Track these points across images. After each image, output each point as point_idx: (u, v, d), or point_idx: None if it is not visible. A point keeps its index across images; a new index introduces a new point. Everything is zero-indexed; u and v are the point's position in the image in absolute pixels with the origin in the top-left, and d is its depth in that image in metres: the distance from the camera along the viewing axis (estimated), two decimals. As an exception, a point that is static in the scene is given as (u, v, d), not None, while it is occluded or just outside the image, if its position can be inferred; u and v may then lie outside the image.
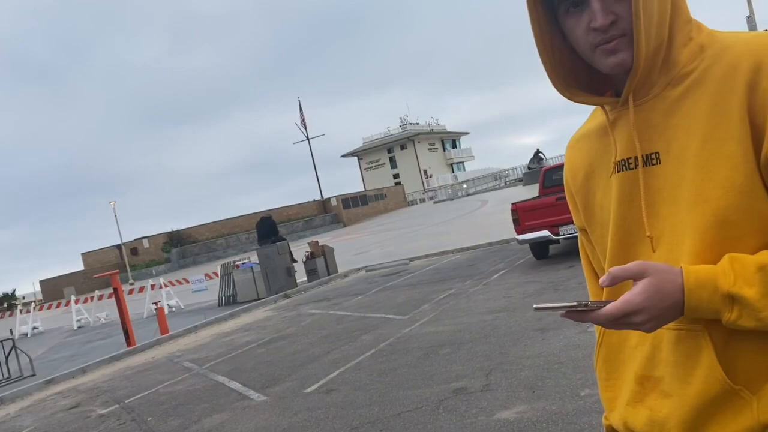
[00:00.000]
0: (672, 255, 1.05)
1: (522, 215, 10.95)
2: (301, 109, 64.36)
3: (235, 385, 7.18)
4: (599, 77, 1.16)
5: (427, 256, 16.96)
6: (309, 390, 6.20)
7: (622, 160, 1.13)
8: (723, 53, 1.03)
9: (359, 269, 17.58)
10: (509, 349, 5.99)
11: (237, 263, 17.02)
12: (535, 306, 1.00)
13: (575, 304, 0.97)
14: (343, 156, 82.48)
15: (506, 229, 13.17)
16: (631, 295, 0.96)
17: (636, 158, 1.10)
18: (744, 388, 0.99)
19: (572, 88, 1.16)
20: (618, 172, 1.13)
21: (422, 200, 63.32)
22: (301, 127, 63.63)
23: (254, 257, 16.93)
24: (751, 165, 0.97)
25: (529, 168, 44.68)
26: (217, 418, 5.96)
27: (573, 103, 1.18)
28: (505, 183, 59.35)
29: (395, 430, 4.54)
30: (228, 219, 49.74)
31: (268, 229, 16.89)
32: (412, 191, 68.08)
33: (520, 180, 51.21)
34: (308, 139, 63.67)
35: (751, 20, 18.14)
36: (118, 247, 50.64)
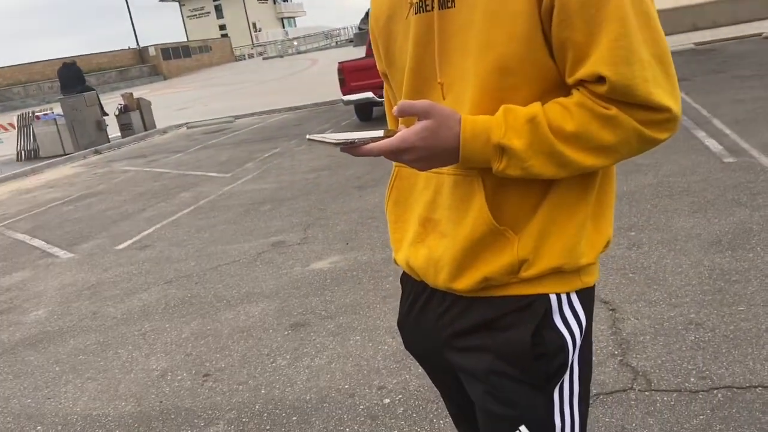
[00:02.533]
0: (457, 101, 1.07)
1: (348, 75, 10.88)
2: (110, -59, 56.28)
3: (37, 242, 6.69)
4: None
5: (253, 114, 16.46)
6: (121, 246, 5.96)
7: (419, 1, 1.10)
8: None
9: (180, 125, 16.66)
10: (328, 205, 6.15)
11: (37, 114, 15.26)
12: (308, 137, 0.98)
13: (350, 139, 0.96)
14: (162, 0, 74.88)
15: (334, 90, 13.07)
16: (408, 133, 0.97)
17: (432, 0, 1.08)
18: (508, 228, 1.06)
19: None
20: (416, 13, 1.10)
21: (251, 56, 60.28)
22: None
23: (58, 109, 15.26)
24: (533, 14, 0.98)
25: (359, 29, 43.83)
26: (17, 276, 5.57)
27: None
28: (336, 43, 58.16)
29: (211, 282, 4.57)
30: (26, 64, 43.66)
31: (72, 76, 15.14)
32: (241, 45, 64.35)
33: (350, 41, 50.38)
34: (120, -23, 56.50)
35: None
36: None
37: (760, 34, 14.36)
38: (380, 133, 0.99)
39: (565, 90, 1.03)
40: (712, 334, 2.82)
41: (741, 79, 9.31)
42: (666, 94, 0.97)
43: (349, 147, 0.98)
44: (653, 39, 0.97)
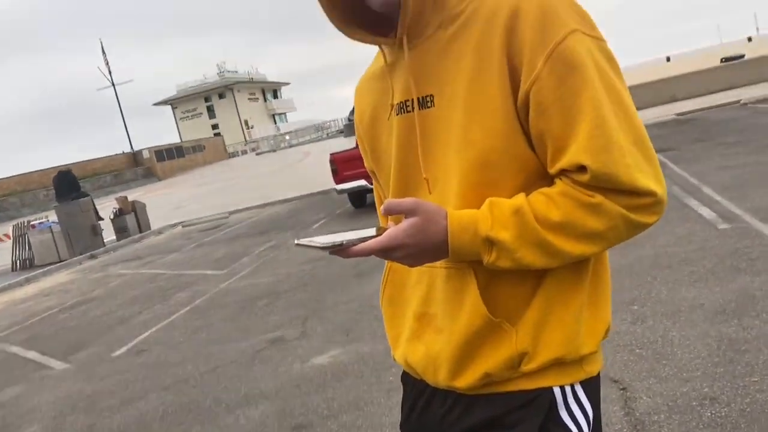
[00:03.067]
0: (443, 196, 1.07)
1: (340, 165, 11.08)
2: (104, 52, 58.62)
3: (32, 354, 6.54)
4: (383, 17, 1.13)
5: (248, 209, 16.61)
6: (117, 354, 5.83)
7: (400, 102, 1.12)
8: None
9: (175, 225, 16.77)
10: (326, 295, 6.09)
11: (33, 223, 15.36)
12: (295, 242, 0.98)
13: (337, 242, 0.95)
14: (156, 104, 77.31)
15: (328, 180, 13.27)
16: (396, 231, 0.97)
17: (412, 101, 1.09)
18: (505, 320, 1.04)
19: (352, 25, 1.11)
20: (397, 114, 1.13)
21: (244, 152, 61.69)
22: (104, 71, 58.16)
23: (53, 216, 15.38)
24: (510, 108, 1.00)
25: (349, 120, 45.09)
26: (10, 392, 5.40)
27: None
28: (327, 134, 59.73)
29: (209, 385, 4.43)
30: (22, 174, 44.40)
31: (67, 184, 15.36)
32: (233, 143, 65.97)
33: (341, 131, 51.65)
34: (114, 85, 58.54)
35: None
36: None
37: (738, 101, 14.82)
38: (372, 231, 0.99)
39: (548, 180, 1.03)
40: (729, 409, 2.72)
41: (725, 145, 9.51)
42: (649, 178, 0.97)
43: (338, 250, 0.97)
44: (630, 125, 0.98)
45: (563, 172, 0.99)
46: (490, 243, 0.98)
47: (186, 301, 7.34)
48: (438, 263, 1.08)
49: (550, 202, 0.98)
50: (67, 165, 40.27)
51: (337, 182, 11.22)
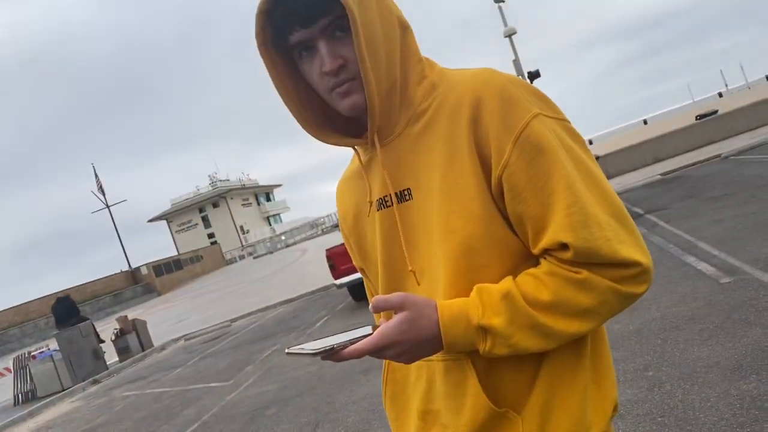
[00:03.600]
0: (431, 286, 1.07)
1: (336, 260, 11.07)
2: (96, 176, 59.80)
3: (35, 494, 6.26)
4: (353, 119, 1.17)
5: (249, 314, 16.44)
6: (124, 482, 5.58)
7: (379, 198, 1.14)
8: (451, 90, 1.07)
9: (177, 339, 16.52)
10: (336, 396, 5.92)
11: (33, 354, 15.11)
12: (286, 351, 0.97)
13: (327, 346, 0.94)
14: (150, 221, 78.12)
15: (326, 276, 13.23)
16: (386, 328, 0.96)
17: (391, 196, 1.11)
18: (509, 409, 1.02)
19: (326, 130, 1.14)
20: (378, 210, 1.15)
21: (242, 257, 61.80)
22: (98, 195, 59.09)
23: (54, 344, 15.15)
24: (485, 195, 1.02)
25: (342, 214, 45.75)
26: None
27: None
28: (322, 230, 60.14)
29: (222, 508, 4.22)
30: (21, 305, 44.13)
31: (66, 310, 15.24)
32: (231, 249, 66.23)
33: (336, 226, 52.10)
34: (108, 206, 59.32)
35: (517, 63, 20.40)
36: None
37: (719, 155, 15.10)
38: (366, 330, 0.98)
39: (534, 260, 1.03)
40: (764, 472, 2.59)
41: (714, 199, 9.60)
42: (631, 248, 0.97)
43: (329, 354, 0.96)
44: (604, 198, 0.99)
45: (547, 252, 1.00)
46: (484, 331, 0.97)
47: (193, 418, 7.11)
48: (435, 356, 1.07)
49: (538, 283, 0.98)
50: (65, 290, 40.14)
51: (336, 277, 11.18)
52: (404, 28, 1.09)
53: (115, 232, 56.48)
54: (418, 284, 1.09)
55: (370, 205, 1.17)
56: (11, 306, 44.05)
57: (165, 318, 24.04)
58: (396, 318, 0.97)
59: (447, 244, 1.04)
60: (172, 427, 7.04)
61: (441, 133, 1.06)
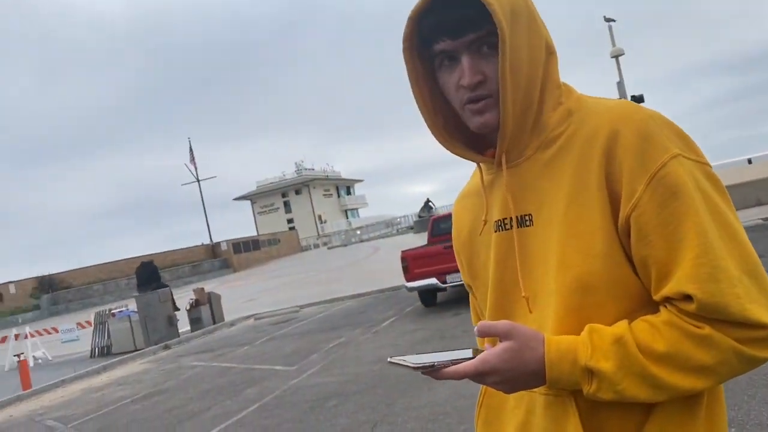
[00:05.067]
0: (541, 316, 1.04)
1: (411, 263, 11.08)
2: (191, 150, 62.61)
3: (102, 446, 6.59)
4: (482, 135, 1.15)
5: (318, 303, 16.72)
6: (185, 450, 5.79)
7: (498, 220, 1.12)
8: (587, 118, 1.04)
9: (247, 317, 17.02)
10: (396, 399, 5.92)
11: (113, 311, 15.97)
12: (389, 359, 0.96)
13: (428, 363, 0.93)
14: (236, 199, 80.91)
15: (397, 276, 13.28)
16: (489, 355, 0.94)
17: (511, 219, 1.09)
18: None
19: (454, 140, 1.14)
20: (495, 232, 1.13)
21: (316, 246, 63.05)
22: (190, 168, 61.77)
23: (133, 305, 15.96)
24: (610, 232, 0.98)
25: (419, 216, 45.87)
26: (79, 485, 5.42)
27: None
28: (397, 230, 60.39)
29: (275, 492, 4.30)
30: (107, 263, 46.75)
31: (149, 275, 16.02)
32: (307, 236, 67.66)
33: (411, 228, 52.29)
34: (198, 180, 61.93)
35: (621, 85, 19.79)
36: (-20, 293, 46.14)
37: (829, 205, 14.06)
38: (467, 353, 0.97)
39: (653, 307, 0.98)
40: None
41: (819, 252, 8.95)
42: (763, 309, 0.91)
43: (430, 370, 0.96)
44: (740, 252, 0.93)
45: (668, 300, 0.95)
46: (590, 373, 0.93)
47: (256, 398, 7.30)
48: (537, 389, 1.04)
49: (655, 332, 0.93)
50: (149, 255, 42.22)
51: (408, 279, 11.19)
52: (550, 53, 1.07)
53: (201, 205, 58.93)
54: (530, 312, 1.07)
55: (484, 224, 1.15)
56: (100, 263, 46.75)
57: (237, 295, 24.83)
58: (500, 346, 0.95)
59: (561, 278, 1.01)
60: (234, 403, 7.25)
61: (571, 163, 1.03)
